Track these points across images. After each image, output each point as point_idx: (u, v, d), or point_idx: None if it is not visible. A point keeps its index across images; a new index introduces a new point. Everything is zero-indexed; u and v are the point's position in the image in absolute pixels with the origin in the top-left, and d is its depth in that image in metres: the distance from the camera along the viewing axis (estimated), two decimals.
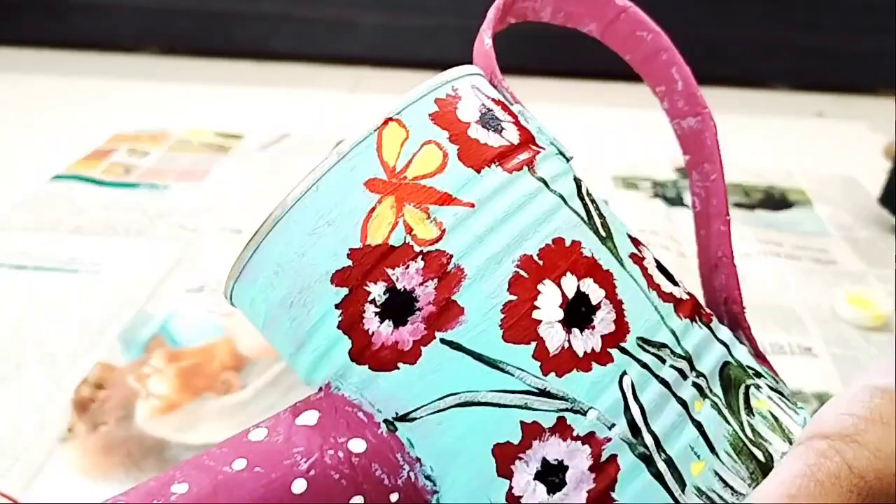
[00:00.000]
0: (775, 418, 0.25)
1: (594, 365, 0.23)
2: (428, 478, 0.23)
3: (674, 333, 0.25)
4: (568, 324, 0.23)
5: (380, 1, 1.25)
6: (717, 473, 0.23)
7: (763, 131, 1.09)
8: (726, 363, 0.25)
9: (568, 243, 0.24)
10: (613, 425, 0.22)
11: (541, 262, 0.23)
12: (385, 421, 0.23)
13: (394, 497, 0.23)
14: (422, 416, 0.23)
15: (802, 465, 0.20)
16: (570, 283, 0.23)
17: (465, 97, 0.25)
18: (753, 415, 0.24)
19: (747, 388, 0.25)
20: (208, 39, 1.31)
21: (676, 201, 0.82)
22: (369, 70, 1.24)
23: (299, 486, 0.21)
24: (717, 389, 0.24)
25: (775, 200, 0.83)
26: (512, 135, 0.25)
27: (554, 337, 0.23)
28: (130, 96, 1.12)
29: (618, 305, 0.24)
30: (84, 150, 0.89)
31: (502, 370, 0.22)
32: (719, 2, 1.22)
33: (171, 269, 0.64)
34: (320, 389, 0.24)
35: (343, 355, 0.23)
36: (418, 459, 0.23)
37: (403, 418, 0.23)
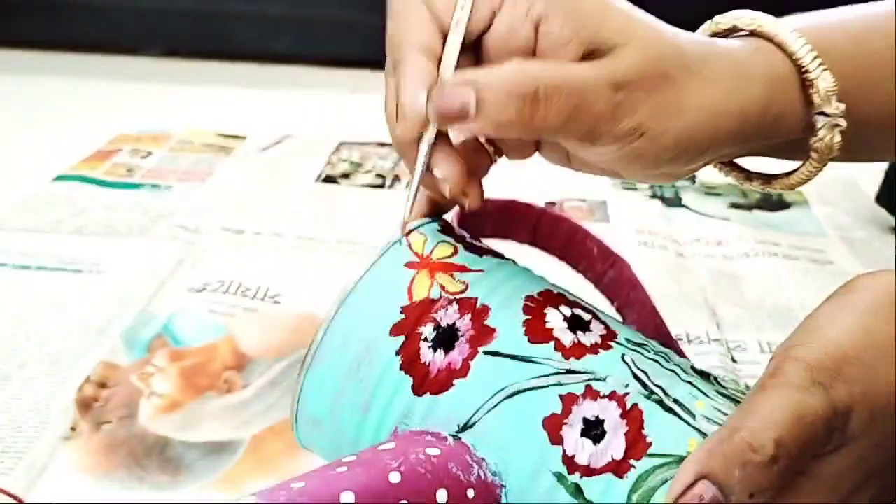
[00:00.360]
0: (744, 392, 0.31)
1: (601, 350, 0.30)
2: (494, 474, 0.28)
3: (649, 341, 0.32)
4: (572, 330, 0.30)
5: (379, 2, 1.25)
6: (716, 408, 0.29)
7: None
8: (692, 367, 0.32)
9: (555, 293, 0.32)
10: (628, 385, 0.29)
11: (541, 299, 0.31)
12: (450, 435, 0.29)
13: (470, 493, 0.27)
14: (480, 419, 0.29)
15: (765, 377, 0.26)
16: (566, 310, 0.31)
17: (453, 222, 0.35)
18: (726, 388, 0.31)
19: (716, 378, 0.31)
20: (209, 41, 1.32)
21: (674, 202, 0.82)
22: (369, 72, 1.24)
23: (395, 477, 0.26)
24: (693, 374, 0.31)
25: (773, 201, 0.84)
26: (488, 245, 0.34)
27: (566, 336, 0.30)
28: (132, 97, 1.12)
29: (603, 323, 0.31)
30: (86, 150, 0.90)
31: (534, 362, 0.29)
32: (721, 2, 1.22)
33: (174, 269, 0.65)
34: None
35: (407, 393, 0.29)
36: (483, 459, 0.28)
37: (465, 428, 0.29)
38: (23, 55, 1.29)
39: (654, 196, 0.84)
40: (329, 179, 0.86)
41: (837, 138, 0.32)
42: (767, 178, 0.36)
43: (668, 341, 0.35)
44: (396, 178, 0.87)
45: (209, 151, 0.92)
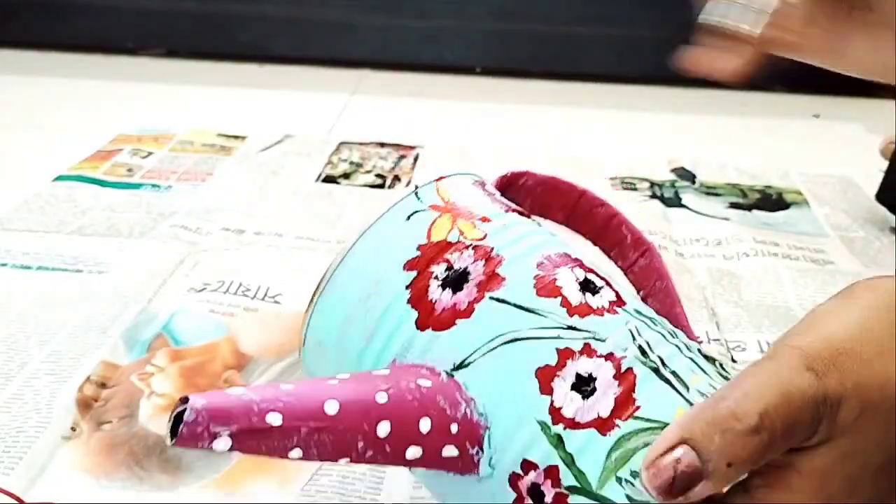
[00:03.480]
0: None
1: (606, 314, 0.30)
2: (481, 415, 0.29)
3: (660, 318, 0.32)
4: (582, 291, 0.31)
5: (380, 3, 1.25)
6: (711, 385, 0.29)
7: (760, 132, 1.10)
8: (699, 349, 0.32)
9: (573, 257, 0.32)
10: (626, 349, 0.29)
11: (557, 259, 0.32)
12: (444, 372, 0.30)
13: (454, 428, 0.28)
14: (475, 360, 0.29)
15: (759, 360, 0.26)
16: (579, 273, 0.32)
17: (485, 181, 0.36)
18: (728, 373, 0.31)
19: (721, 363, 0.32)
20: (210, 42, 1.32)
21: (673, 202, 0.83)
22: (370, 73, 1.24)
23: (381, 397, 0.27)
24: (698, 354, 0.31)
25: (772, 201, 0.84)
26: (516, 206, 0.35)
27: (574, 295, 0.31)
28: (132, 97, 1.13)
29: (615, 291, 0.32)
30: (87, 150, 0.90)
31: (538, 314, 0.30)
32: None
33: (174, 269, 0.65)
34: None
35: (410, 326, 0.31)
36: (473, 399, 0.29)
37: (460, 366, 0.30)
38: (23, 55, 1.29)
39: (653, 196, 0.84)
40: (329, 179, 0.86)
41: None
42: None
43: (687, 333, 0.35)
44: (396, 179, 0.87)
45: (209, 151, 0.92)
